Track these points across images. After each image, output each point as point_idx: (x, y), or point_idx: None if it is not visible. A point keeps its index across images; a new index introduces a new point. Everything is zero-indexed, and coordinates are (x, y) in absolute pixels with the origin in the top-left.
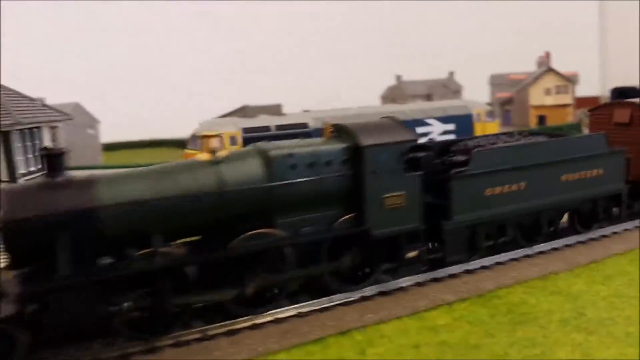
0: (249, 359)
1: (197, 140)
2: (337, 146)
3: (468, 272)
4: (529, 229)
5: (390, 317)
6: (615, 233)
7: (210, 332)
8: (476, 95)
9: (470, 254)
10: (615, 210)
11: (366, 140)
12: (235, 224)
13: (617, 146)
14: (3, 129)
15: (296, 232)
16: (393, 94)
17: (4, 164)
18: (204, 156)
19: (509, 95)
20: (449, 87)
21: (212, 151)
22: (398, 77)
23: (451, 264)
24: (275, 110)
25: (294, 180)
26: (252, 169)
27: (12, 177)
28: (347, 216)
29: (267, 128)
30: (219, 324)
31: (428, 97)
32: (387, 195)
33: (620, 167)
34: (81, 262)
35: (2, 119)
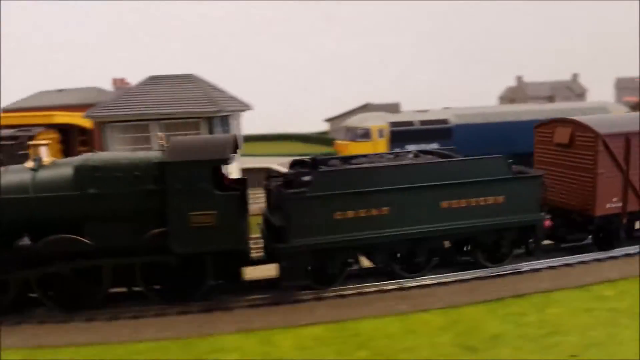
0: (445, 307)
1: (348, 131)
2: (150, 161)
3: (628, 255)
4: (408, 257)
5: (559, 287)
6: None
7: (406, 285)
8: (600, 98)
9: (321, 280)
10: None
11: (172, 157)
12: (48, 228)
13: (534, 170)
14: (208, 115)
15: (107, 241)
16: (514, 95)
17: None
18: (28, 164)
19: (638, 99)
20: (573, 90)
21: (34, 159)
22: (519, 78)
23: (288, 289)
24: (394, 108)
25: (90, 192)
26: (61, 178)
27: None
28: (157, 230)
29: (411, 123)
30: (413, 278)
31: (550, 99)
32: (193, 213)
33: (533, 195)
34: None
35: (207, 106)
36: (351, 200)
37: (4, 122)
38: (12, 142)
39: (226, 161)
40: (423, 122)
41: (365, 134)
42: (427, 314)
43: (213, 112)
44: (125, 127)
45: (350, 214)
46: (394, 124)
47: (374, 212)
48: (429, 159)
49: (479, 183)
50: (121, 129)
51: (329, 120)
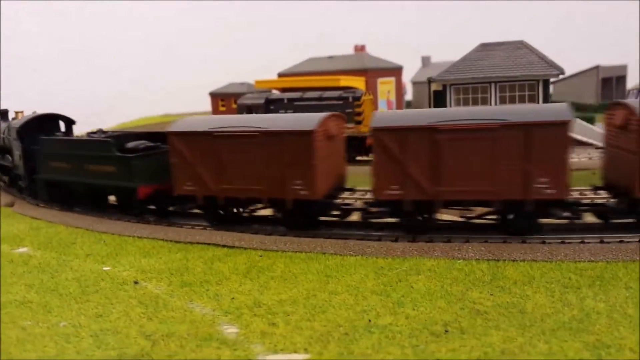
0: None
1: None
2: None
3: None
4: (98, 199)
5: None
6: None
7: (567, 241)
8: None
9: (68, 204)
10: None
11: (13, 123)
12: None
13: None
14: (546, 78)
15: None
16: None
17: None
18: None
19: None
20: None
21: (16, 114)
22: None
23: (40, 203)
24: (622, 70)
25: (5, 136)
26: (9, 128)
27: None
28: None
29: None
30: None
31: None
32: (15, 152)
33: (132, 169)
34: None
35: (547, 69)
36: (53, 157)
37: (292, 84)
38: (341, 102)
39: (19, 129)
40: None
41: None
42: None
43: (554, 74)
44: (464, 88)
45: (57, 165)
46: None
47: (66, 166)
48: (95, 137)
49: (99, 157)
50: (460, 91)
51: (553, 82)
